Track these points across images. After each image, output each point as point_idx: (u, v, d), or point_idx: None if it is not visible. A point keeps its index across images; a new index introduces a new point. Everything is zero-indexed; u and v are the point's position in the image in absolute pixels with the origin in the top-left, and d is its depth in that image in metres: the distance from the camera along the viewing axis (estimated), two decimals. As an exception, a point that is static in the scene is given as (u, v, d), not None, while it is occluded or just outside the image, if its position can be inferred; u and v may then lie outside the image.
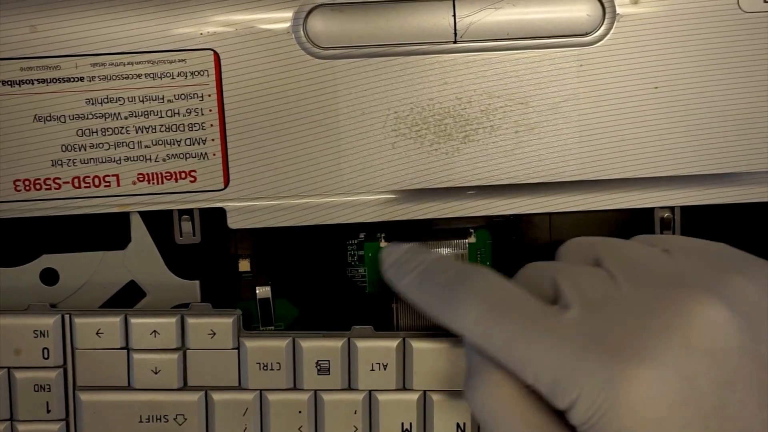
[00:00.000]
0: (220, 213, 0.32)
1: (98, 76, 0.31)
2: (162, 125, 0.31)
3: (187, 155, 0.31)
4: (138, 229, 0.34)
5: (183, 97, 0.31)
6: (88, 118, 0.31)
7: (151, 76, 0.31)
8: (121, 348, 0.32)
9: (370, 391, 0.32)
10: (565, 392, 0.24)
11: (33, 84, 0.31)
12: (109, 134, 0.31)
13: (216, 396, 0.32)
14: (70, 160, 0.31)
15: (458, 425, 0.32)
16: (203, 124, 0.31)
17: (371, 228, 0.34)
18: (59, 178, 0.32)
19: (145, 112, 0.31)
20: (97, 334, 0.32)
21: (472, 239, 0.34)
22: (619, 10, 0.31)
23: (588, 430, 0.24)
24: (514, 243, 0.34)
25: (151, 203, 0.32)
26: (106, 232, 0.34)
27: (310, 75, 0.31)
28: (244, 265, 0.34)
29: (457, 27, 0.31)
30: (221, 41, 0.31)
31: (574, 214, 0.33)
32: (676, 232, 0.33)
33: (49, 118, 0.31)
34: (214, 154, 0.31)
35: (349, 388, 0.32)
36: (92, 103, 0.31)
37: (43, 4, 0.30)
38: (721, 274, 0.26)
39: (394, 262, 0.30)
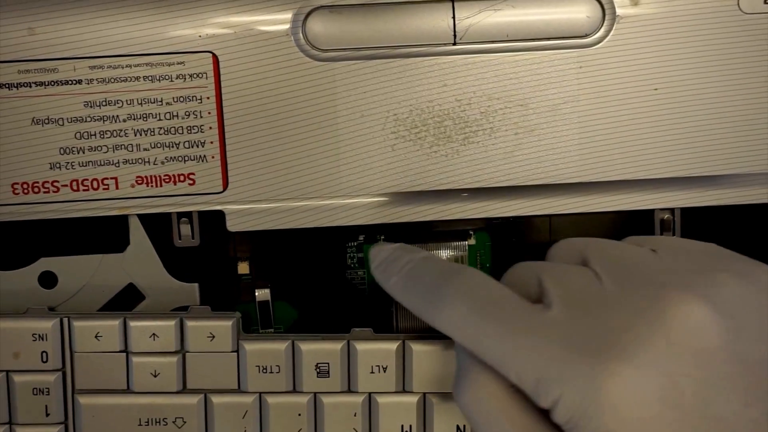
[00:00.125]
0: (219, 216, 0.32)
1: (96, 79, 0.31)
2: (161, 128, 0.31)
3: (186, 158, 0.31)
4: (137, 232, 0.34)
5: (182, 99, 0.31)
6: (86, 121, 0.31)
7: (150, 78, 0.31)
8: (120, 351, 0.32)
9: (369, 393, 0.32)
10: (548, 391, 0.24)
11: (31, 87, 0.31)
12: (107, 137, 0.31)
13: (215, 399, 0.32)
14: (68, 163, 0.31)
15: (458, 427, 0.32)
16: (202, 127, 0.31)
17: (371, 230, 0.34)
18: (57, 181, 0.31)
19: (144, 115, 0.31)
20: (95, 337, 0.32)
21: (472, 241, 0.34)
22: (618, 11, 0.30)
23: (571, 430, 0.24)
24: (514, 245, 0.34)
25: (149, 206, 0.32)
26: (104, 234, 0.34)
27: (309, 77, 0.31)
28: (243, 268, 0.34)
29: (457, 29, 0.31)
30: (220, 44, 0.30)
31: (574, 215, 0.33)
32: (676, 234, 0.33)
33: (47, 121, 0.31)
34: (212, 157, 0.31)
35: (349, 390, 0.32)
36: (90, 106, 0.31)
37: (41, 6, 0.30)
38: (706, 273, 0.26)
39: (382, 262, 0.30)
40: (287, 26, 0.30)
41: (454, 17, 0.30)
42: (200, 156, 0.31)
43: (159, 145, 0.31)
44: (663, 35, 0.31)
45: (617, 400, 0.23)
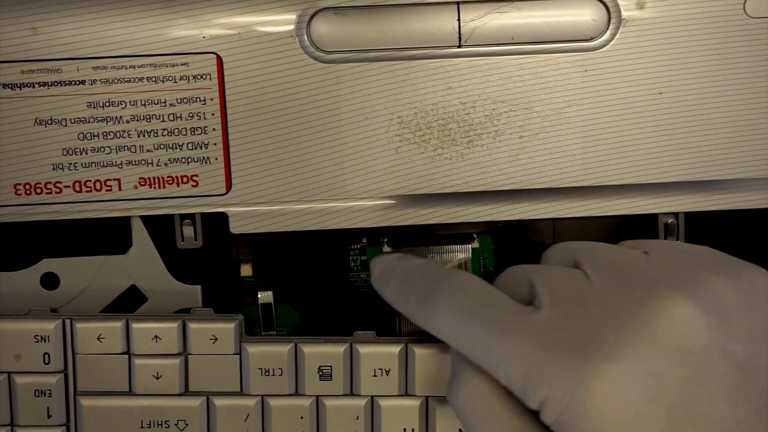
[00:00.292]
0: (222, 218, 0.32)
1: (100, 80, 0.31)
2: (164, 129, 0.31)
3: (189, 159, 0.31)
4: (139, 234, 0.34)
5: (185, 100, 0.31)
6: (89, 122, 0.31)
7: (153, 79, 0.31)
8: (122, 353, 0.32)
9: (372, 396, 0.32)
10: (535, 392, 0.24)
11: (34, 87, 0.30)
12: (110, 138, 0.31)
13: (217, 401, 0.32)
14: (71, 163, 0.31)
15: (461, 431, 0.32)
16: (205, 128, 0.31)
17: (374, 233, 0.34)
18: (60, 182, 0.31)
19: (147, 116, 0.31)
20: (98, 339, 0.32)
21: (476, 244, 0.34)
22: (624, 14, 0.30)
23: (559, 429, 0.24)
24: (518, 248, 0.34)
25: (152, 208, 0.32)
26: (107, 236, 0.33)
27: (314, 79, 0.31)
28: (246, 270, 0.34)
29: (462, 31, 0.30)
30: (224, 45, 0.30)
31: (578, 219, 0.33)
32: (680, 238, 0.33)
33: (50, 122, 0.31)
34: (216, 159, 0.31)
35: (351, 393, 0.32)
36: (94, 107, 0.31)
37: (45, 6, 0.30)
38: (696, 274, 0.26)
39: (381, 271, 0.30)
40: (292, 27, 0.30)
41: (459, 19, 0.30)
42: (203, 158, 0.31)
43: (162, 146, 0.31)
44: (668, 39, 0.30)
45: (603, 399, 0.23)
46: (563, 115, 0.31)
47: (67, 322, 0.32)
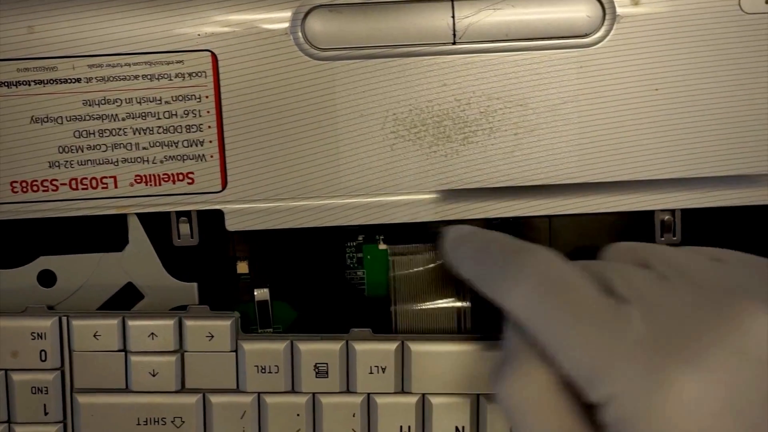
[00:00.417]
0: (218, 215, 0.32)
1: (95, 78, 0.31)
2: (159, 127, 0.31)
3: (185, 157, 0.31)
4: (135, 231, 0.34)
5: (180, 98, 0.31)
6: (85, 120, 0.31)
7: (149, 77, 0.31)
8: (118, 350, 0.32)
9: (368, 394, 0.32)
10: (602, 385, 0.24)
11: (30, 85, 0.31)
12: (106, 136, 0.31)
13: (214, 399, 0.32)
14: (67, 161, 0.31)
15: (457, 428, 0.32)
16: (201, 126, 0.31)
17: (370, 230, 0.34)
18: (56, 180, 0.31)
19: (143, 114, 0.31)
20: (94, 336, 0.32)
21: (472, 241, 0.33)
22: (619, 11, 0.30)
23: (619, 429, 0.23)
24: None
25: (148, 205, 0.32)
26: (103, 233, 0.33)
27: (308, 76, 0.31)
28: (242, 268, 0.34)
29: (456, 28, 0.30)
30: (219, 42, 0.30)
31: (574, 216, 0.33)
32: (676, 235, 0.33)
33: (46, 120, 0.31)
34: (211, 156, 0.31)
35: (348, 391, 0.32)
36: (89, 105, 0.31)
37: (41, 4, 0.30)
38: None
39: (457, 236, 0.30)
40: (286, 25, 0.30)
41: (453, 16, 0.30)
42: (199, 155, 0.31)
43: (158, 144, 0.31)
44: (664, 35, 0.30)
45: (677, 407, 0.23)
46: (558, 111, 0.31)
47: (64, 319, 0.32)
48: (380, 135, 0.31)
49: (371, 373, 0.31)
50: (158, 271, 0.34)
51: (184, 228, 0.33)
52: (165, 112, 0.31)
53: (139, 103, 0.31)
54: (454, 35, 0.30)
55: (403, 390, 0.32)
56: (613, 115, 0.31)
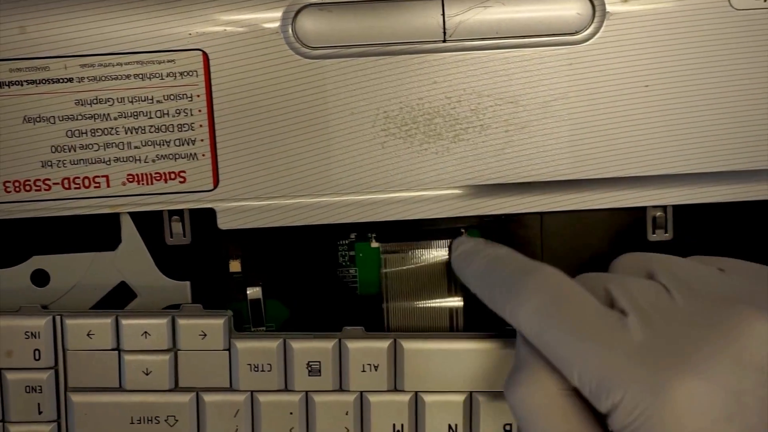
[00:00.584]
0: (210, 214, 0.32)
1: (87, 77, 0.31)
2: (151, 126, 0.31)
3: (177, 156, 0.31)
4: (128, 230, 0.34)
5: (172, 97, 0.31)
6: (77, 119, 0.31)
7: (140, 76, 0.31)
8: (112, 349, 0.32)
9: (361, 392, 0.32)
10: (608, 394, 0.24)
11: (22, 85, 0.31)
12: (98, 135, 0.31)
13: (207, 397, 0.32)
14: (59, 161, 0.31)
15: (450, 426, 0.32)
16: (192, 125, 0.31)
17: (362, 228, 0.34)
18: (49, 179, 0.31)
19: (135, 113, 0.31)
20: (88, 335, 0.32)
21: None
22: (608, 8, 0.30)
23: None
24: (505, 243, 0.34)
25: (141, 204, 0.32)
26: (96, 233, 0.34)
27: (300, 75, 0.31)
28: (235, 266, 0.34)
29: (446, 26, 0.30)
30: (210, 41, 0.30)
31: (566, 213, 0.33)
32: (668, 232, 0.33)
33: (38, 119, 0.31)
34: (203, 155, 0.31)
35: (341, 389, 0.32)
36: (82, 104, 0.31)
37: (33, 5, 0.30)
38: None
39: (463, 252, 0.31)
40: (277, 24, 0.30)
41: (443, 14, 0.30)
42: (191, 154, 0.31)
43: (150, 143, 0.31)
44: (653, 32, 0.30)
45: (681, 412, 0.23)
46: (549, 108, 0.31)
47: (58, 318, 0.32)
48: (371, 133, 0.31)
49: (364, 371, 0.32)
50: (151, 270, 0.34)
51: (177, 227, 0.33)
52: (156, 111, 0.31)
53: (131, 102, 0.31)
54: (445, 33, 0.31)
55: (395, 388, 0.32)
56: (603, 111, 0.31)
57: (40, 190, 0.32)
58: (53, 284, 0.34)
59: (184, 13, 0.30)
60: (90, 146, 0.31)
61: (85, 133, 0.31)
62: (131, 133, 0.31)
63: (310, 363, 0.32)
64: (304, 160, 0.31)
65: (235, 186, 0.32)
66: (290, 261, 0.34)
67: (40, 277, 0.34)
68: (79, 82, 0.31)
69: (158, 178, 0.32)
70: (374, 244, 0.34)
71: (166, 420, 0.32)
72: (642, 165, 0.31)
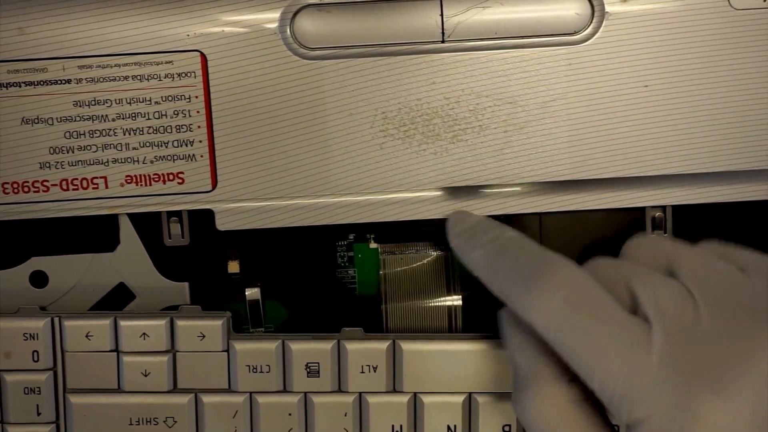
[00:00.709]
0: (209, 214, 0.32)
1: (85, 79, 0.31)
2: (149, 127, 0.31)
3: (175, 157, 0.31)
4: (127, 231, 0.34)
5: (170, 98, 0.31)
6: (75, 121, 0.31)
7: (138, 78, 0.31)
8: (110, 350, 0.32)
9: (360, 393, 0.32)
10: (632, 408, 0.24)
11: (20, 86, 0.31)
12: (96, 136, 0.31)
13: (206, 398, 0.32)
14: (57, 162, 0.31)
15: (449, 427, 0.32)
16: (191, 126, 0.31)
17: (361, 229, 0.34)
18: (47, 181, 0.31)
19: (133, 114, 0.31)
20: (86, 336, 0.32)
21: (463, 240, 0.33)
22: (608, 8, 0.30)
23: None
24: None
25: (139, 205, 0.32)
26: (95, 234, 0.34)
27: (298, 76, 0.31)
28: (233, 267, 0.34)
29: (445, 26, 0.30)
30: (208, 42, 0.30)
31: (565, 213, 0.33)
32: (667, 232, 0.33)
33: (36, 121, 0.31)
34: (201, 156, 0.31)
35: (339, 390, 0.32)
36: (80, 105, 0.31)
37: (31, 6, 0.30)
38: None
39: (464, 232, 0.29)
40: (275, 24, 0.30)
41: (442, 14, 0.30)
42: (189, 155, 0.31)
43: (148, 144, 0.31)
44: (653, 32, 0.30)
45: (709, 430, 0.23)
46: (548, 109, 0.31)
47: (56, 319, 0.32)
48: (370, 134, 0.31)
49: (363, 372, 0.31)
50: (150, 271, 0.34)
51: (175, 228, 0.33)
52: (155, 112, 0.31)
53: (129, 103, 0.31)
54: (443, 33, 0.30)
55: (394, 389, 0.32)
56: (602, 112, 0.31)
57: (38, 191, 0.32)
58: (52, 285, 0.34)
59: (182, 14, 0.30)
60: (88, 147, 0.31)
61: (84, 134, 0.31)
62: (129, 134, 0.31)
63: (309, 364, 0.32)
64: (303, 161, 0.31)
65: (233, 187, 0.32)
66: (289, 262, 0.34)
67: (39, 279, 0.34)
68: (78, 83, 0.31)
69: (157, 179, 0.32)
70: (373, 245, 0.34)
71: (164, 421, 0.32)
72: (641, 165, 0.31)
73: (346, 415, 0.32)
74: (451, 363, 0.31)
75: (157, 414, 0.32)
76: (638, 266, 0.27)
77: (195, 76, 0.31)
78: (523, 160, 0.31)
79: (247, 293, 0.34)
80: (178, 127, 0.31)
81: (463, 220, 0.30)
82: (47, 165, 0.31)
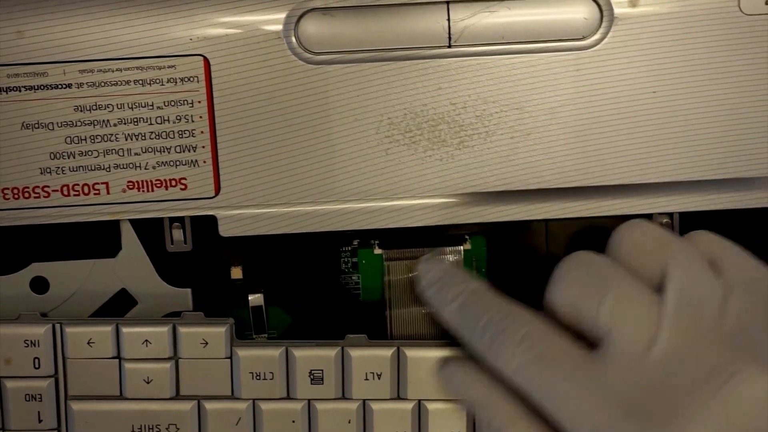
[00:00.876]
0: (212, 221, 0.32)
1: (87, 83, 0.30)
2: (151, 132, 0.31)
3: (178, 163, 0.31)
4: (129, 237, 0.33)
5: (173, 103, 0.30)
6: (76, 126, 0.31)
7: (141, 82, 0.30)
8: (112, 357, 0.32)
9: (364, 400, 0.32)
10: None
11: (20, 91, 0.30)
12: (98, 141, 0.31)
13: (209, 405, 0.32)
14: (58, 167, 0.31)
15: (453, 435, 0.32)
16: (193, 131, 0.31)
17: (365, 235, 0.34)
18: (48, 186, 0.31)
19: (135, 119, 0.31)
20: (88, 343, 0.32)
21: (468, 246, 0.33)
22: (616, 13, 0.30)
23: None
24: (511, 250, 0.34)
25: (141, 211, 0.31)
26: (96, 240, 0.33)
27: (302, 80, 0.30)
28: (236, 273, 0.34)
29: (452, 31, 0.30)
30: (211, 47, 0.30)
31: (572, 220, 0.33)
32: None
33: (37, 126, 0.31)
34: (204, 162, 0.31)
35: (343, 397, 0.32)
36: (81, 110, 0.30)
37: (31, 9, 0.30)
38: None
39: (436, 282, 0.30)
40: (279, 28, 0.30)
41: (449, 19, 0.30)
42: (192, 160, 0.31)
43: (150, 149, 0.31)
44: (662, 37, 0.30)
45: None
46: (555, 115, 0.31)
47: (57, 326, 0.32)
48: (375, 139, 0.31)
49: (367, 379, 0.31)
50: (152, 277, 0.34)
51: (178, 234, 0.33)
52: (157, 117, 0.31)
53: (131, 108, 0.30)
54: (450, 38, 0.30)
55: (398, 396, 0.32)
56: (610, 118, 0.31)
57: (39, 197, 0.31)
58: (53, 291, 0.34)
59: (185, 17, 0.30)
60: (89, 153, 0.31)
61: (85, 139, 0.31)
62: (131, 139, 0.31)
63: (313, 371, 0.31)
64: (307, 166, 0.31)
65: (236, 193, 0.31)
66: (292, 268, 0.34)
67: (40, 285, 0.34)
68: (78, 87, 0.30)
69: (159, 185, 0.31)
70: (377, 251, 0.33)
71: (167, 428, 0.32)
72: (649, 172, 0.31)
73: (350, 423, 0.32)
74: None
75: (160, 421, 0.32)
76: (614, 277, 0.27)
77: (198, 81, 0.30)
78: (530, 166, 0.31)
79: (250, 299, 0.34)
80: (180, 133, 0.31)
81: (431, 268, 0.31)
82: (48, 170, 0.31)
